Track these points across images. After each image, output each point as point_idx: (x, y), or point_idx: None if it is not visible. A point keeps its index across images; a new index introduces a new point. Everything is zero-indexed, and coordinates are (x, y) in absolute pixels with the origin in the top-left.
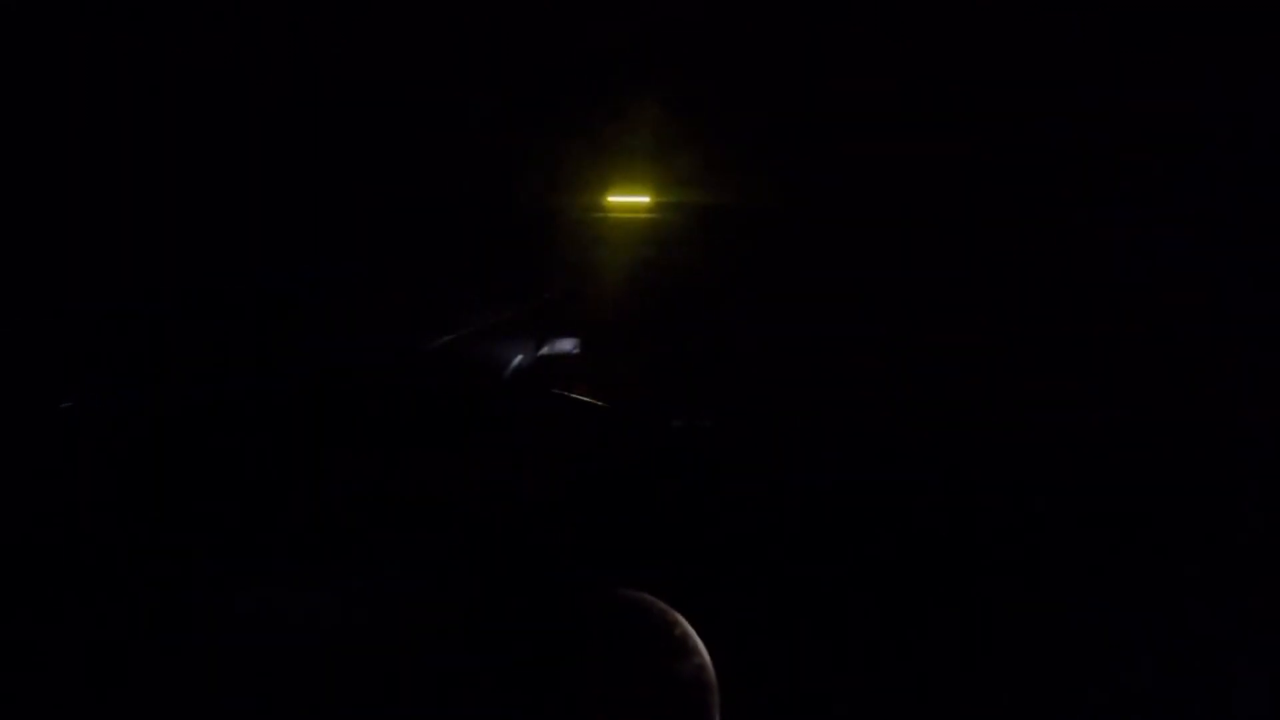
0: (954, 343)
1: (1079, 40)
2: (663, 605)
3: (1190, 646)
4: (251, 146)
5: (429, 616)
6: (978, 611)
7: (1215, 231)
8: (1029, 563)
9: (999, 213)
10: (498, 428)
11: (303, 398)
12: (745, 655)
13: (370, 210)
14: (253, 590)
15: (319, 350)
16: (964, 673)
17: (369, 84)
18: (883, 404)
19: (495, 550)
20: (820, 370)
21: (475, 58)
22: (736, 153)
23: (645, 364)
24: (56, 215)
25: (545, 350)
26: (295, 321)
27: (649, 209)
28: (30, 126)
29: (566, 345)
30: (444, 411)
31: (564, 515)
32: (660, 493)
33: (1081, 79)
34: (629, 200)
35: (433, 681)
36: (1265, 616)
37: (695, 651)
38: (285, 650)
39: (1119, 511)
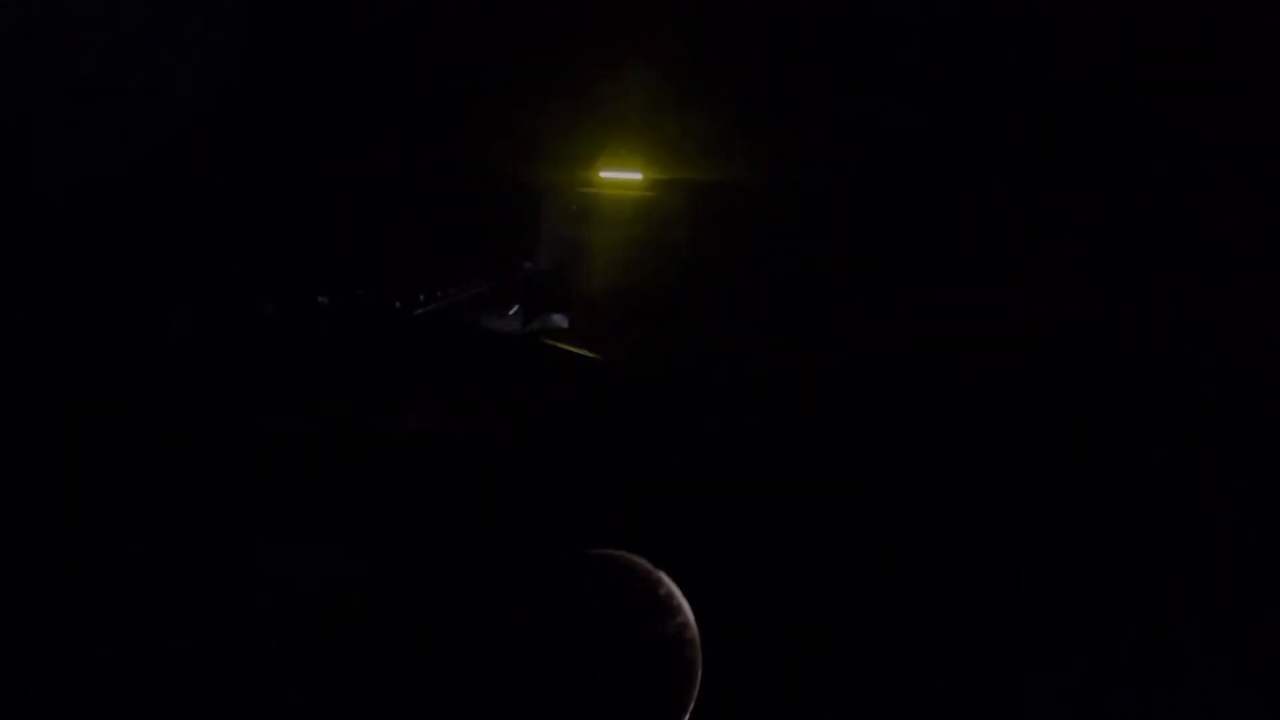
0: (956, 326)
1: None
2: (647, 565)
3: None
4: (233, 121)
5: (409, 578)
6: (972, 599)
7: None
8: (1032, 550)
9: (1009, 196)
10: (482, 383)
11: (284, 358)
12: (731, 615)
13: (355, 183)
14: (245, 558)
15: (299, 316)
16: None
17: (353, 56)
18: (880, 383)
19: (481, 511)
20: (817, 351)
21: (460, 26)
22: (735, 128)
23: (633, 341)
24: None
25: (533, 325)
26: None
27: (642, 186)
28: None
29: (553, 320)
30: (424, 369)
31: (550, 472)
32: (651, 453)
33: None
34: (621, 176)
35: (414, 645)
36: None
37: (678, 610)
38: (277, 618)
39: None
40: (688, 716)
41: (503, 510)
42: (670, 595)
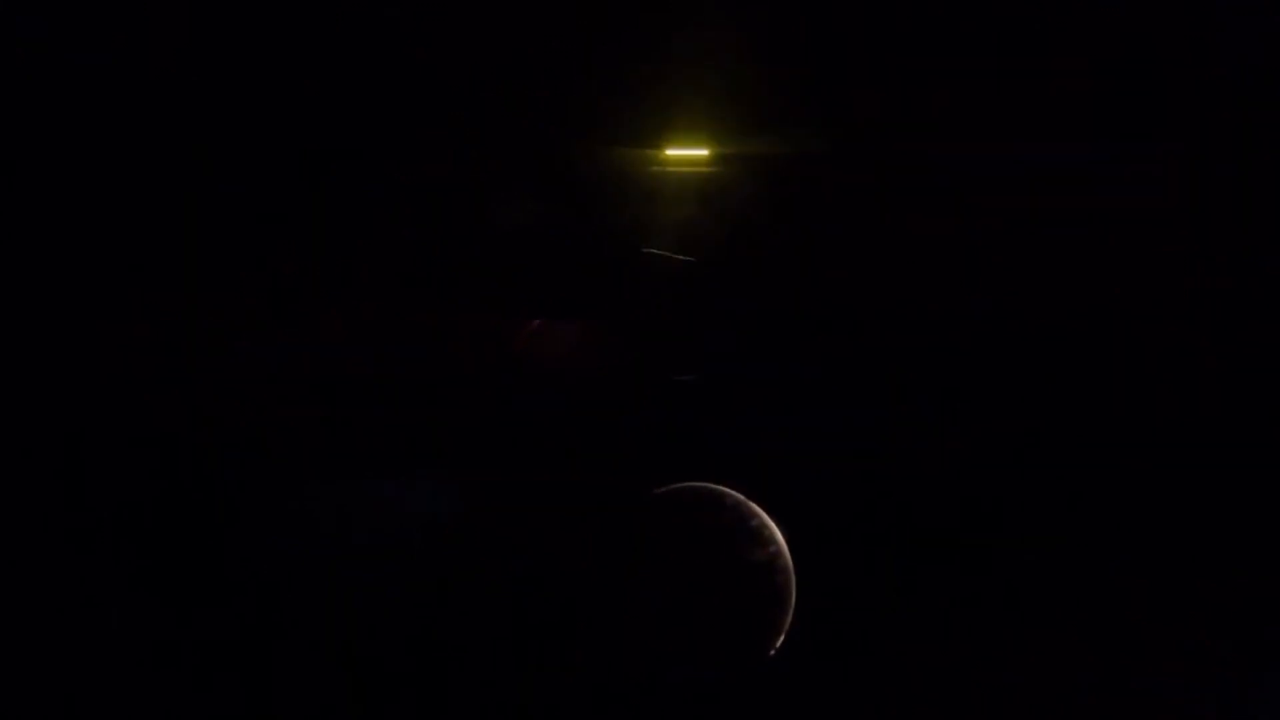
0: (1030, 300)
1: None
2: (739, 497)
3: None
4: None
5: (514, 506)
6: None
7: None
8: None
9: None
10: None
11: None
12: (820, 545)
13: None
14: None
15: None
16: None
17: (414, 36)
18: (950, 354)
19: (582, 438)
20: (894, 325)
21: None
22: (805, 97)
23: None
24: None
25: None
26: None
27: (709, 161)
28: None
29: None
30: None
31: (648, 395)
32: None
33: None
34: (687, 153)
35: (518, 570)
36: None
37: (771, 540)
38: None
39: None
40: (781, 640)
41: (602, 438)
42: (763, 526)
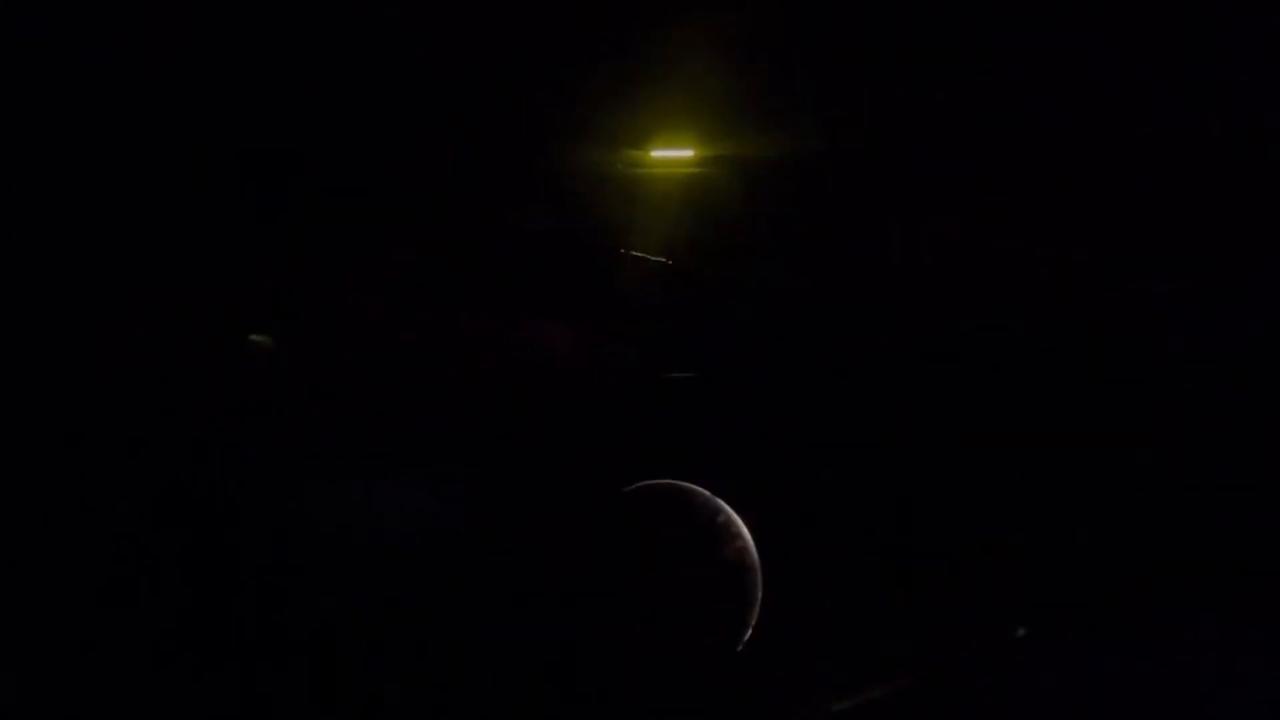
0: (1022, 298)
1: None
2: (706, 494)
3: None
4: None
5: (482, 504)
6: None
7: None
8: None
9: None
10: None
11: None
12: (788, 541)
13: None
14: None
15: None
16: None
17: (394, 32)
18: (937, 357)
19: (550, 437)
20: (878, 325)
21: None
22: (792, 97)
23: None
24: None
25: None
26: None
27: (693, 163)
28: None
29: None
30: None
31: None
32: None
33: None
34: (671, 154)
35: (487, 568)
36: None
37: (738, 536)
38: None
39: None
40: (748, 635)
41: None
42: (729, 522)
